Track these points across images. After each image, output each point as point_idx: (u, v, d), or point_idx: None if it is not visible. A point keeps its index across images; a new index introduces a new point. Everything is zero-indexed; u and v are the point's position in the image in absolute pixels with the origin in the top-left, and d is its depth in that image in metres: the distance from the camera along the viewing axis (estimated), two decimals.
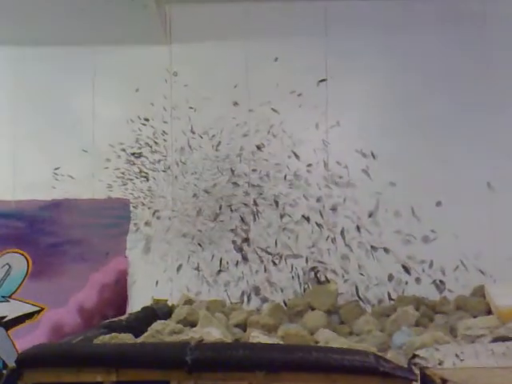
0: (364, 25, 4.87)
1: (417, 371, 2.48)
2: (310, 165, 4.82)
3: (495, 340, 2.86)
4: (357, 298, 4.60)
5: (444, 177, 4.63)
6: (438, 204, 4.65)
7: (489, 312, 3.79)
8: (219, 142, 4.89)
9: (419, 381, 2.44)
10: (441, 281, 4.57)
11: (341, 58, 4.85)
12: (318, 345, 3.35)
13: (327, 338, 3.39)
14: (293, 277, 4.71)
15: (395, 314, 3.79)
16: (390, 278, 4.62)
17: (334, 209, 4.76)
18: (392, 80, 4.82)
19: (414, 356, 2.63)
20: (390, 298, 4.58)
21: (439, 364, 2.49)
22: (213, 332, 3.27)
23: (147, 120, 4.97)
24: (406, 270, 4.61)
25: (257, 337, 3.25)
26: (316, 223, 4.75)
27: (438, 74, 4.77)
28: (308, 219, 4.76)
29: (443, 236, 4.59)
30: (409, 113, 4.76)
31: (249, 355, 2.63)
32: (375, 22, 4.86)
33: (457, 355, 2.51)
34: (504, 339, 2.82)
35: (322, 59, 4.86)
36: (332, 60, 4.86)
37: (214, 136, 4.90)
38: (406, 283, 4.60)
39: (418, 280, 4.60)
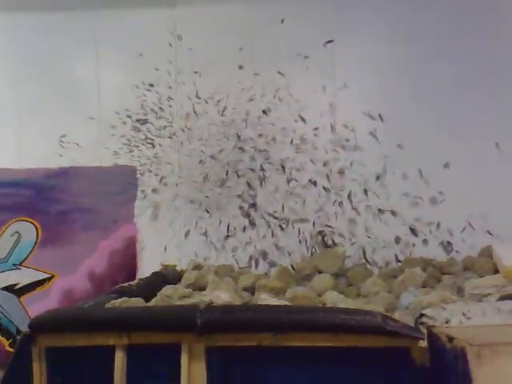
0: None
1: (424, 330, 2.50)
2: (316, 128, 4.78)
3: (502, 298, 2.88)
4: (364, 261, 4.62)
5: (452, 138, 4.58)
6: (446, 166, 4.61)
7: (496, 272, 3.79)
8: (225, 107, 4.86)
9: (426, 339, 2.46)
10: (448, 242, 4.57)
11: (348, 18, 4.75)
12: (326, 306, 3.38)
13: (335, 299, 3.42)
14: (300, 241, 4.73)
15: (402, 276, 3.80)
16: (397, 240, 4.62)
17: (341, 172, 4.74)
18: (400, 41, 4.71)
19: (421, 315, 2.65)
20: (398, 260, 4.59)
21: (446, 322, 2.51)
22: (222, 295, 3.31)
23: (152, 86, 4.93)
24: (414, 232, 4.62)
25: (265, 299, 3.29)
26: (323, 187, 4.74)
27: (448, 36, 4.65)
28: (315, 183, 4.75)
29: (451, 197, 4.56)
30: (417, 75, 4.68)
31: (257, 317, 2.67)
32: None
33: (463, 314, 2.53)
34: (510, 297, 2.84)
35: (329, 20, 4.76)
36: (339, 21, 4.75)
37: (219, 101, 4.86)
38: (414, 245, 4.60)
39: (425, 242, 4.60)
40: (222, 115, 4.86)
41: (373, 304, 3.35)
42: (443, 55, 4.65)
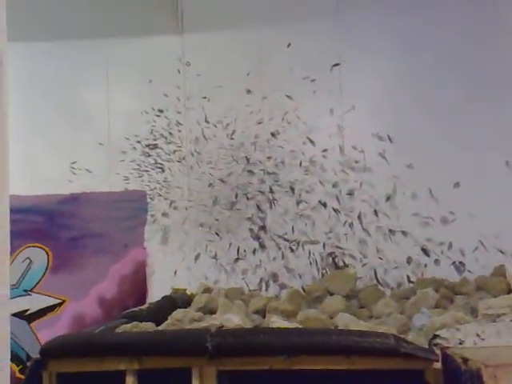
0: (376, 7, 4.80)
1: (438, 351, 2.47)
2: (325, 150, 4.80)
3: None
4: (376, 282, 4.58)
5: (461, 157, 4.56)
6: (456, 185, 4.59)
7: (509, 291, 3.75)
8: (233, 131, 4.89)
9: (440, 361, 2.42)
10: (460, 262, 4.53)
11: (353, 41, 4.80)
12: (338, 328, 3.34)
13: (347, 321, 3.38)
14: (311, 263, 4.71)
15: (415, 297, 3.76)
16: (409, 260, 4.58)
17: (350, 193, 4.73)
18: (406, 61, 4.75)
19: (435, 336, 2.61)
20: (410, 281, 4.54)
21: (460, 343, 2.48)
22: (232, 318, 3.28)
23: (161, 111, 4.98)
24: (425, 252, 4.58)
25: (276, 322, 3.26)
26: (333, 208, 4.73)
27: (453, 54, 4.68)
28: (325, 205, 4.74)
29: (462, 217, 4.53)
30: (424, 94, 4.69)
31: (269, 340, 2.64)
32: (387, 4, 4.80)
33: (478, 334, 2.50)
34: None
35: (334, 43, 4.82)
36: (345, 44, 4.81)
37: (228, 125, 4.90)
38: (425, 266, 4.55)
39: (437, 262, 4.56)
40: (231, 139, 4.90)
41: (385, 325, 3.31)
42: (452, 75, 4.66)
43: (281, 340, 2.63)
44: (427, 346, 2.59)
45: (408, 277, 4.57)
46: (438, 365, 2.43)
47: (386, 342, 2.49)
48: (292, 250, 4.73)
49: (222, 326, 3.09)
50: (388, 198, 4.68)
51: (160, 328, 3.37)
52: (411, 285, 4.48)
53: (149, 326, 3.34)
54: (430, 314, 3.33)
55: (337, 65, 4.81)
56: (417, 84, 4.71)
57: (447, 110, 4.64)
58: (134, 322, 3.38)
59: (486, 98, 4.60)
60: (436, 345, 2.55)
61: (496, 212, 4.43)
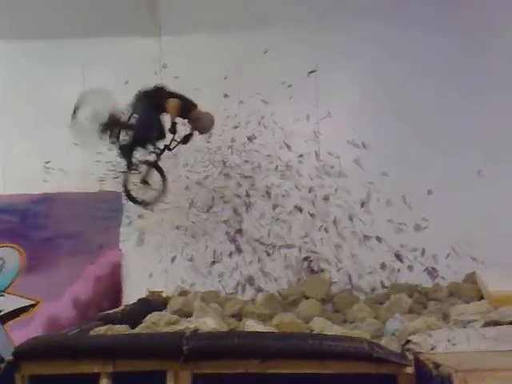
0: (354, 16, 4.87)
1: (410, 356, 2.51)
2: (301, 155, 4.84)
3: (487, 324, 2.90)
4: (350, 287, 4.63)
5: (435, 165, 4.66)
6: (430, 192, 4.68)
7: (481, 298, 3.83)
8: (210, 134, 4.88)
9: (412, 366, 2.46)
10: (433, 268, 4.61)
11: (331, 48, 4.87)
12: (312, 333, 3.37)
13: (322, 326, 3.42)
14: (286, 267, 4.74)
15: (388, 302, 3.82)
16: (383, 266, 4.65)
17: (326, 199, 4.78)
18: (382, 69, 4.83)
19: (407, 341, 2.65)
20: (383, 286, 4.61)
21: (432, 349, 2.52)
22: (208, 322, 3.28)
23: None
24: (399, 258, 4.65)
25: (252, 326, 3.27)
26: (308, 213, 4.77)
27: (428, 62, 4.80)
28: (300, 209, 4.78)
29: (435, 224, 4.62)
30: (399, 102, 4.78)
31: (243, 343, 2.64)
32: (365, 13, 4.86)
33: (449, 340, 2.54)
34: (495, 323, 2.86)
35: (311, 50, 4.87)
36: (322, 51, 4.86)
37: None
38: (399, 271, 4.63)
39: (410, 268, 4.63)
40: (208, 142, 4.90)
41: (359, 330, 3.35)
42: (427, 85, 4.76)
43: (256, 344, 2.64)
44: (400, 351, 2.62)
45: (382, 282, 4.64)
46: (410, 369, 2.47)
47: (359, 347, 2.52)
48: (268, 254, 4.75)
49: (198, 330, 3.09)
50: (363, 204, 4.75)
51: (135, 331, 3.35)
52: (385, 290, 4.54)
53: (123, 329, 3.32)
54: (402, 319, 3.38)
55: (313, 72, 4.85)
56: (392, 92, 4.79)
57: (422, 119, 4.74)
58: (109, 325, 3.36)
59: (461, 108, 4.71)
60: (408, 350, 2.59)
61: (468, 219, 4.52)
